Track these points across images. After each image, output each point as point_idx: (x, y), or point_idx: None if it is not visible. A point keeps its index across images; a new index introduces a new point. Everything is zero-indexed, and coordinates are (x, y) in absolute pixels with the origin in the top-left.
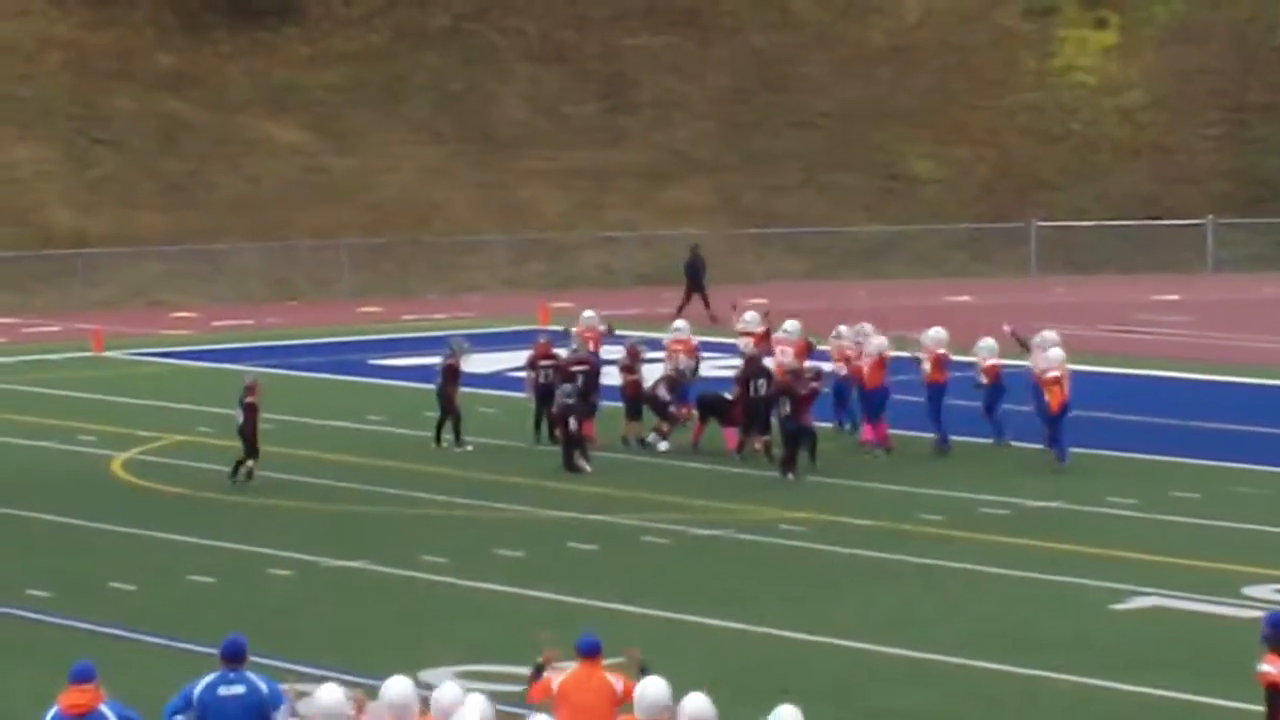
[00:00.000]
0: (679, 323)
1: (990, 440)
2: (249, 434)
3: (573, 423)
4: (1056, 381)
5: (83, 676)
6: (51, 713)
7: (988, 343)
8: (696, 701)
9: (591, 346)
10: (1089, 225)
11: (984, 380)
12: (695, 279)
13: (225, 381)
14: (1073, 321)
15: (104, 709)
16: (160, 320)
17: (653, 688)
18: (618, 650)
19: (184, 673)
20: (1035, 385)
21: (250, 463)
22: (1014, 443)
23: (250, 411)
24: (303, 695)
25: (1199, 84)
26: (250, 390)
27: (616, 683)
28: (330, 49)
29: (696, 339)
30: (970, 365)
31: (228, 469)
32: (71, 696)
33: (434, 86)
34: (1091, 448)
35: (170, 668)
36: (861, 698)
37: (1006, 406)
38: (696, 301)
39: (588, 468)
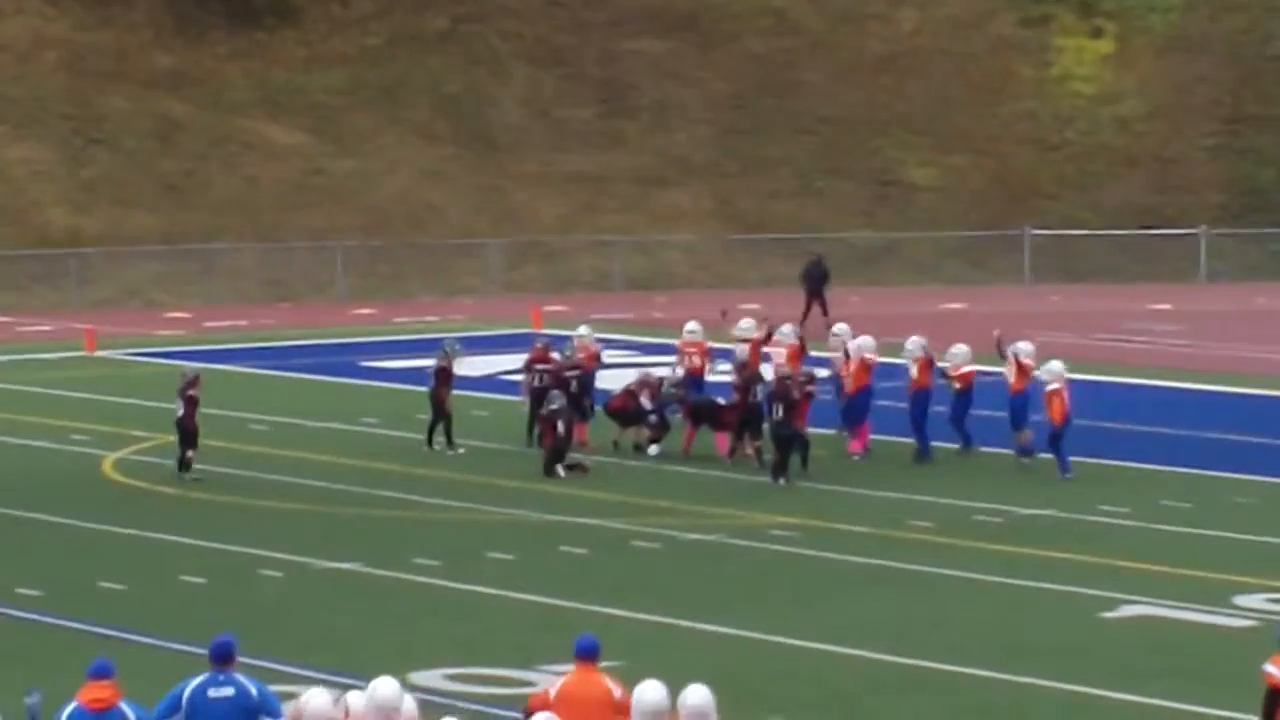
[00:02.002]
0: (692, 324)
1: (957, 447)
2: (187, 425)
3: (561, 427)
4: (1057, 394)
5: (103, 672)
6: (71, 708)
7: (960, 349)
8: (698, 694)
9: (586, 364)
10: (1084, 234)
11: (956, 386)
12: (815, 288)
13: (218, 383)
14: (1066, 330)
15: (124, 706)
16: (154, 320)
17: (650, 692)
18: (609, 654)
19: (174, 673)
20: (1013, 397)
21: (189, 453)
22: (983, 449)
23: (190, 404)
24: (288, 698)
25: (1195, 94)
26: (192, 383)
27: (614, 687)
28: (327, 50)
29: (710, 343)
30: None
31: (222, 470)
32: (92, 692)
33: (431, 89)
34: (1084, 456)
35: (160, 668)
36: (852, 705)
37: (981, 413)
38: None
39: (562, 473)
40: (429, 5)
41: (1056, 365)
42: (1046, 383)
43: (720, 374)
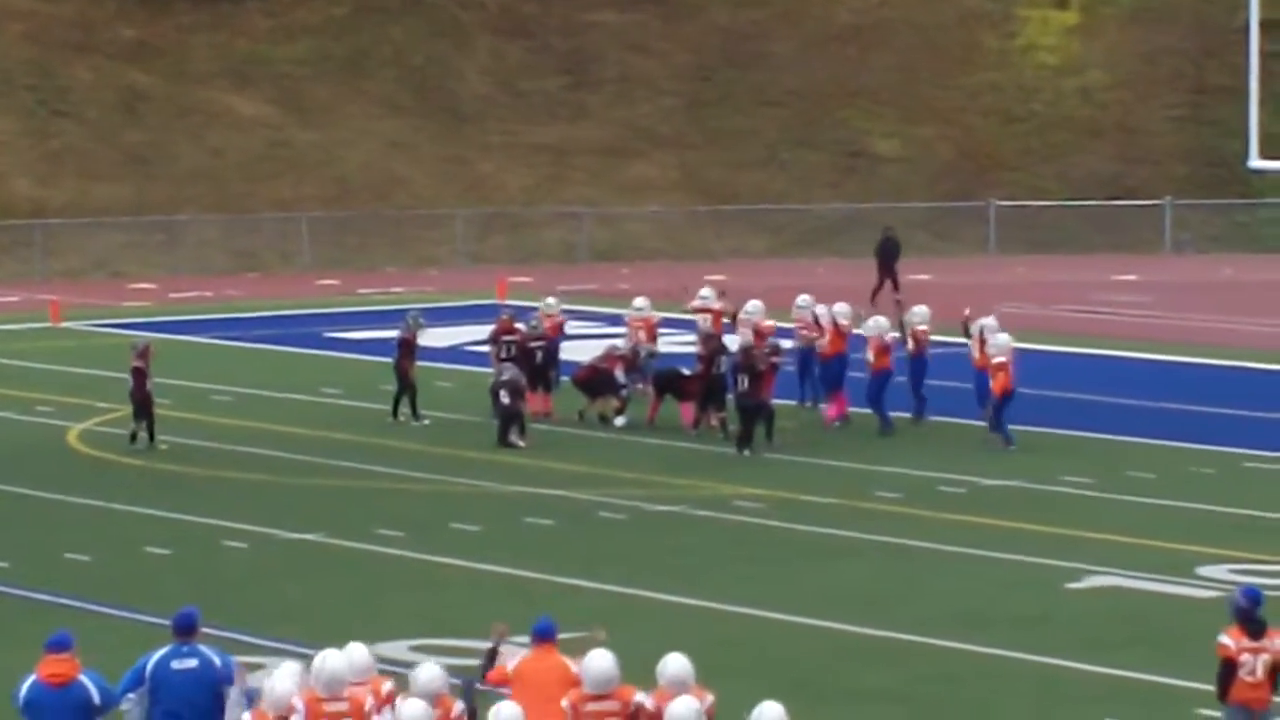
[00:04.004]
0: (639, 300)
1: (910, 415)
2: (136, 397)
3: (505, 397)
4: (1003, 367)
5: (61, 646)
6: (29, 682)
7: (920, 310)
8: (677, 663)
9: (551, 334)
10: (1049, 205)
11: (910, 346)
12: (887, 262)
13: (183, 353)
14: (1031, 300)
15: (83, 678)
16: (119, 292)
17: (598, 660)
18: (574, 625)
19: (139, 644)
20: (978, 372)
21: (138, 428)
22: (946, 419)
23: (136, 375)
24: (255, 669)
25: (1160, 65)
26: (139, 354)
27: (572, 665)
28: (292, 22)
29: (658, 316)
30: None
31: (186, 440)
32: (50, 666)
33: (396, 60)
34: (1048, 427)
35: (125, 639)
36: (819, 675)
37: (947, 384)
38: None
39: (521, 443)
40: None
41: (1004, 338)
42: (993, 355)
43: (684, 345)
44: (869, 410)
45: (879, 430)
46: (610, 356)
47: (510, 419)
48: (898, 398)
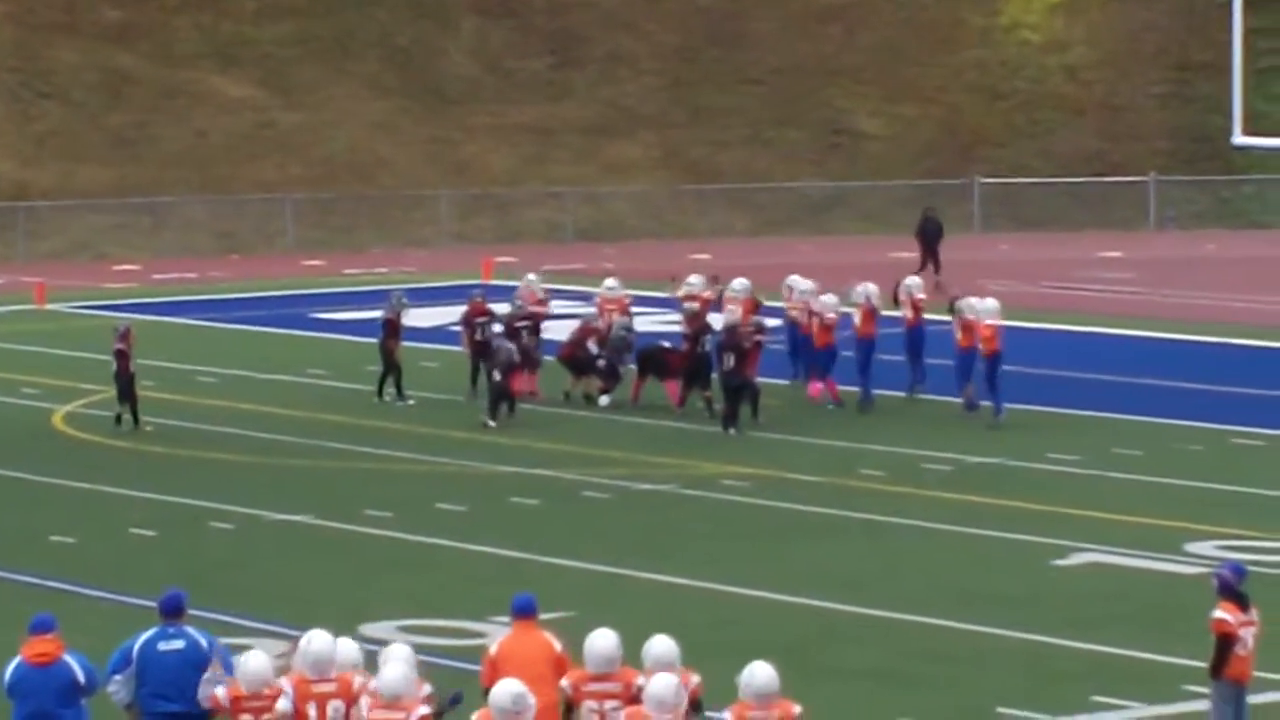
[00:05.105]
0: (610, 281)
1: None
2: (122, 379)
3: (496, 374)
4: (991, 330)
5: (44, 627)
6: (15, 663)
7: (914, 280)
8: (662, 644)
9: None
10: (1033, 182)
11: (908, 316)
12: (930, 243)
13: (168, 335)
14: (1016, 278)
15: (68, 658)
16: (103, 273)
17: (601, 640)
18: (562, 605)
19: (126, 626)
20: (960, 353)
21: (123, 410)
22: (924, 395)
23: (118, 358)
24: (241, 651)
25: (1144, 42)
26: (122, 337)
27: (554, 641)
28: (277, 3)
29: (630, 295)
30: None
31: (172, 422)
32: (35, 647)
33: (381, 41)
34: (1034, 404)
35: (112, 621)
36: (808, 653)
37: (933, 362)
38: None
39: (492, 423)
40: None
41: (992, 303)
42: (984, 318)
43: (664, 324)
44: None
45: (860, 404)
46: (586, 327)
47: (500, 396)
48: (894, 373)
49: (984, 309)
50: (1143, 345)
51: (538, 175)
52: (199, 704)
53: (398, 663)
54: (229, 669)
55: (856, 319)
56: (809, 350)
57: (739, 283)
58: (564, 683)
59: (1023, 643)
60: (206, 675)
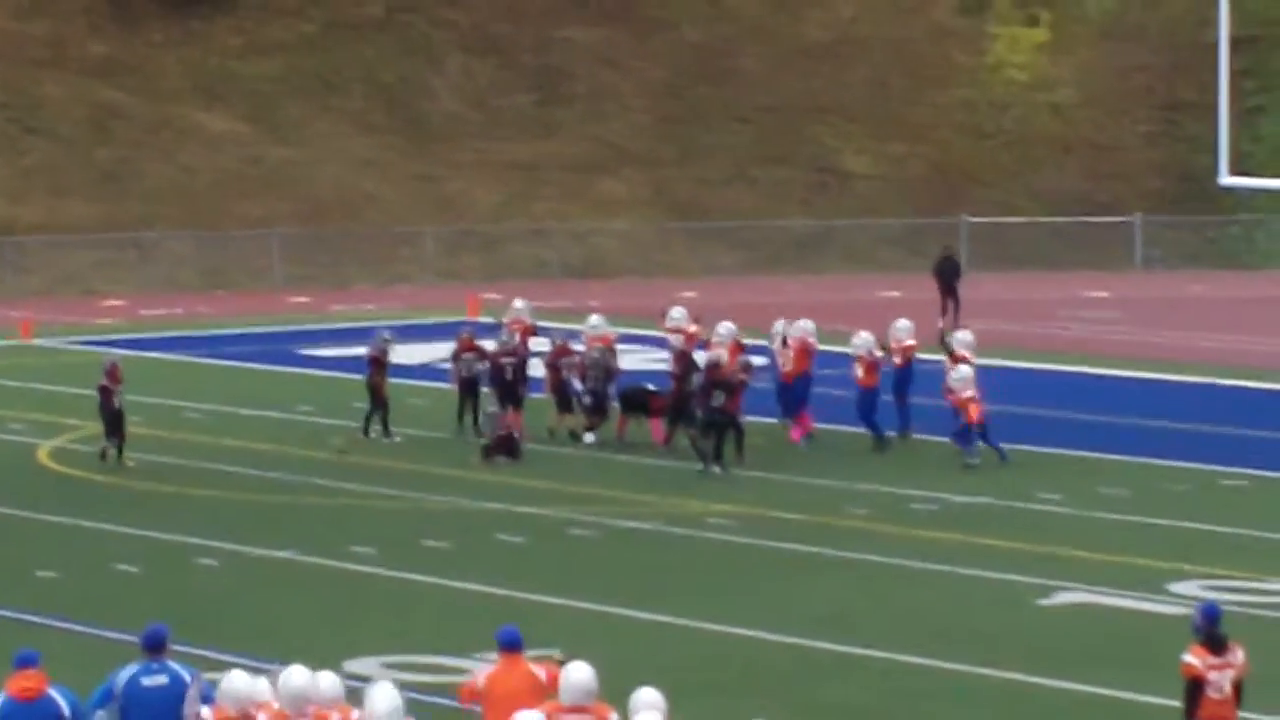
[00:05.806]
0: (594, 318)
1: (893, 434)
2: (107, 414)
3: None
4: (972, 399)
5: (28, 662)
6: (0, 699)
7: (903, 324)
8: (649, 695)
9: (520, 339)
10: (1020, 222)
11: (896, 361)
12: (948, 282)
13: (154, 371)
14: (1002, 317)
15: (53, 693)
16: (90, 309)
17: (577, 673)
18: (546, 643)
19: (109, 662)
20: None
21: (108, 445)
22: (915, 435)
23: (101, 393)
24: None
25: (1130, 81)
26: (108, 373)
27: (539, 671)
28: (263, 38)
29: (616, 333)
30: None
31: (157, 459)
32: (19, 682)
33: (367, 78)
34: (1019, 443)
35: (96, 657)
36: (790, 692)
37: (919, 401)
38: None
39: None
40: None
41: (966, 370)
42: (958, 389)
43: (650, 362)
44: (839, 426)
45: (874, 446)
46: (561, 348)
47: (499, 447)
48: (882, 414)
49: (957, 377)
50: (1129, 385)
51: (524, 212)
52: None
53: (385, 701)
54: (209, 702)
55: (859, 371)
56: (781, 387)
57: (724, 327)
58: (538, 714)
59: (1005, 682)
60: (190, 694)
